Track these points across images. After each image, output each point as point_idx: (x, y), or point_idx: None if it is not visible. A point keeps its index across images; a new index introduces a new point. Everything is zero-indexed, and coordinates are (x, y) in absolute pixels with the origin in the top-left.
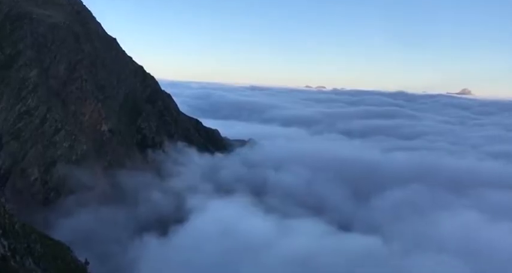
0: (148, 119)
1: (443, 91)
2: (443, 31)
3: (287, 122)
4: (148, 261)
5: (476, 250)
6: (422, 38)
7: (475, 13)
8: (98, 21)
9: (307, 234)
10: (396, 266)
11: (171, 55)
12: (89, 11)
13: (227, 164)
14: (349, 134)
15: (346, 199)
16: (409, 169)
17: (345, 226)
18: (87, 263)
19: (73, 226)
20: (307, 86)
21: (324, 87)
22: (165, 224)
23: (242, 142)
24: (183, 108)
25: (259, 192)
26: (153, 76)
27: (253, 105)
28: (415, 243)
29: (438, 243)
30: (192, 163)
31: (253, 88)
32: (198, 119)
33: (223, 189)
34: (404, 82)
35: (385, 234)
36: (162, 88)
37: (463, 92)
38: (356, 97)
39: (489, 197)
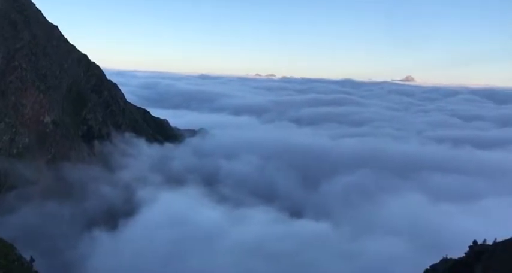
0: (94, 110)
1: (388, 79)
2: (387, 20)
3: (238, 111)
4: (99, 255)
5: (421, 230)
6: (366, 27)
7: (417, 4)
8: (38, 7)
9: (259, 222)
10: (346, 250)
11: (117, 43)
12: None
13: (177, 154)
14: (299, 122)
15: (297, 186)
16: (357, 155)
17: (296, 212)
18: (32, 260)
19: (16, 222)
20: (257, 74)
21: (274, 76)
22: (114, 217)
23: (192, 132)
24: (130, 98)
25: (211, 182)
26: (98, 65)
27: (204, 94)
28: (364, 227)
29: (385, 225)
30: (141, 154)
31: (203, 77)
32: (146, 109)
33: (174, 180)
34: (351, 70)
35: (335, 219)
36: (108, 78)
37: (407, 79)
38: (305, 86)
39: (432, 180)
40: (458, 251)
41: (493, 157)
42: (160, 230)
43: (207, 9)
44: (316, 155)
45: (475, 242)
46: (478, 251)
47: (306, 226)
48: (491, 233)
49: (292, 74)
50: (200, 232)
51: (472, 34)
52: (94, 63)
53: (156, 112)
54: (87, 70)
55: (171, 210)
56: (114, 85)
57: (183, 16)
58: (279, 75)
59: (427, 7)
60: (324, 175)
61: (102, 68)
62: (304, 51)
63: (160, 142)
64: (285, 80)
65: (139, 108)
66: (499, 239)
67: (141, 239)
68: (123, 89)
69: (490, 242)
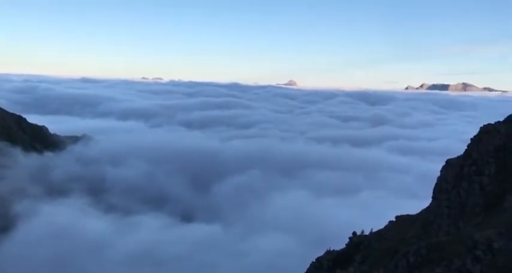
0: None
1: (272, 83)
2: (270, 26)
3: (124, 115)
4: None
5: (307, 225)
6: (250, 33)
7: (299, 11)
8: None
9: (149, 229)
10: (237, 249)
11: None
12: None
13: (59, 163)
14: (189, 125)
15: (188, 190)
16: (246, 156)
17: (187, 216)
18: None
19: None
20: (143, 78)
21: (161, 79)
22: None
23: (75, 139)
24: (2, 103)
25: (96, 190)
26: None
27: (86, 98)
28: (254, 225)
29: (274, 222)
30: (16, 164)
31: (84, 80)
32: (22, 115)
33: (56, 190)
34: (237, 74)
35: (226, 220)
36: None
37: (290, 83)
38: (193, 89)
39: (316, 177)
40: (340, 243)
41: (368, 154)
42: (41, 246)
43: (86, 7)
44: (206, 158)
45: (354, 233)
46: (356, 241)
47: (198, 229)
48: (368, 224)
49: (180, 77)
50: (86, 244)
51: (344, 41)
52: None
53: (33, 119)
54: None
55: (53, 223)
56: None
57: (60, 15)
58: (166, 78)
59: (303, 15)
60: (214, 177)
61: None
62: (191, 54)
63: (39, 151)
64: (173, 83)
65: (14, 114)
66: (375, 230)
67: (19, 257)
68: None
69: (367, 232)
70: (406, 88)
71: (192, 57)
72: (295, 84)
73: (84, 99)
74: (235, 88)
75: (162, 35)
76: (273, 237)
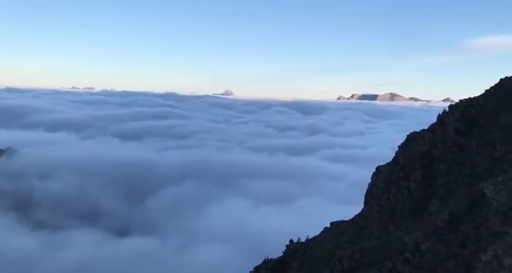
0: None
1: (209, 92)
2: (206, 36)
3: (53, 127)
4: None
5: (245, 234)
6: (186, 41)
7: (235, 22)
8: None
9: (82, 245)
10: (174, 261)
11: None
12: None
13: None
14: (123, 136)
15: (122, 203)
16: (182, 167)
17: (122, 230)
18: None
19: None
20: (73, 87)
21: (93, 88)
22: None
23: None
24: None
25: (23, 206)
26: None
27: (11, 108)
28: (191, 237)
29: (212, 233)
30: None
31: (9, 90)
32: None
33: None
34: (173, 84)
35: (163, 233)
36: None
37: (227, 93)
38: (127, 99)
39: (253, 186)
40: (278, 250)
41: (304, 162)
42: None
43: (8, 10)
44: (141, 170)
45: (291, 241)
46: (293, 249)
47: (133, 243)
48: (305, 231)
49: (113, 87)
50: (12, 263)
51: (278, 52)
52: None
53: None
54: None
55: None
56: None
57: None
58: (98, 87)
59: (238, 26)
60: (149, 189)
61: None
62: (124, 63)
63: None
64: (105, 93)
65: None
66: (311, 236)
67: None
68: None
69: (303, 239)
70: (338, 98)
71: (126, 66)
72: (231, 94)
73: (9, 109)
74: (171, 98)
75: (93, 42)
76: (210, 248)
